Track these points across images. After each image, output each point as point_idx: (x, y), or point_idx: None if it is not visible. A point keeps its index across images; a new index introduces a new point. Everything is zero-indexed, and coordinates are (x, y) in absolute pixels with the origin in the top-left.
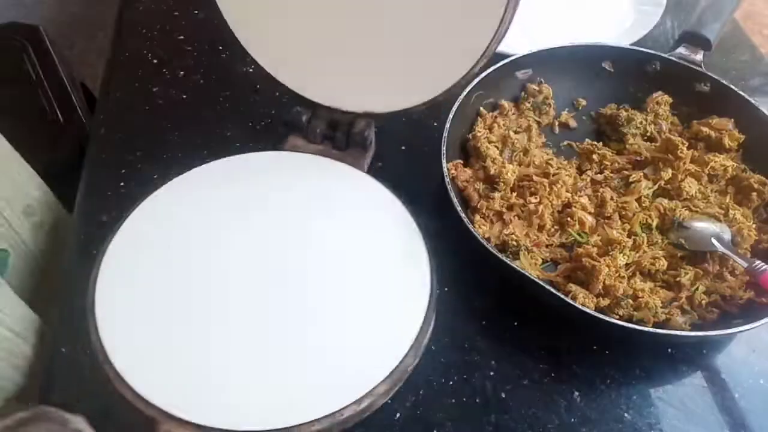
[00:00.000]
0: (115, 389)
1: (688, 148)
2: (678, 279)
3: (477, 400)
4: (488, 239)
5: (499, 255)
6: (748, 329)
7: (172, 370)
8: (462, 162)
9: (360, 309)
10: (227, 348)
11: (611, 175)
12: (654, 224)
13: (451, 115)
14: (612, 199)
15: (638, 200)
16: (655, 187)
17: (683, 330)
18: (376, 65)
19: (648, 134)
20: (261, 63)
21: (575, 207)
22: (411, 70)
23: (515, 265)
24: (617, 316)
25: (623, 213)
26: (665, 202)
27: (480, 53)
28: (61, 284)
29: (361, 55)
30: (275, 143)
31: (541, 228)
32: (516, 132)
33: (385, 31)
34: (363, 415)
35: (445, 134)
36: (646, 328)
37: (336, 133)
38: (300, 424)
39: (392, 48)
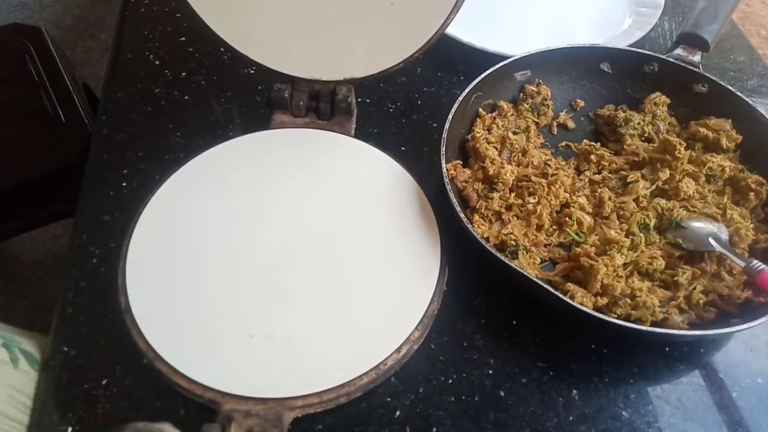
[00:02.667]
0: (171, 381)
1: (686, 149)
2: (676, 278)
3: (476, 398)
4: (487, 239)
5: (498, 254)
6: (746, 328)
7: (221, 353)
8: (461, 162)
9: (384, 271)
10: (270, 324)
11: (609, 175)
12: (652, 224)
13: (450, 116)
14: (610, 199)
15: (636, 200)
16: (653, 187)
17: (681, 329)
18: (351, 30)
19: (646, 135)
20: (232, 44)
21: (573, 207)
22: (386, 30)
23: (514, 264)
24: (615, 315)
25: (621, 213)
26: (663, 202)
27: (453, 3)
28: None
29: (334, 22)
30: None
31: (539, 228)
32: (514, 133)
33: None
34: (402, 362)
35: (445, 135)
36: (643, 327)
37: (319, 104)
38: (351, 380)
39: (364, 10)
